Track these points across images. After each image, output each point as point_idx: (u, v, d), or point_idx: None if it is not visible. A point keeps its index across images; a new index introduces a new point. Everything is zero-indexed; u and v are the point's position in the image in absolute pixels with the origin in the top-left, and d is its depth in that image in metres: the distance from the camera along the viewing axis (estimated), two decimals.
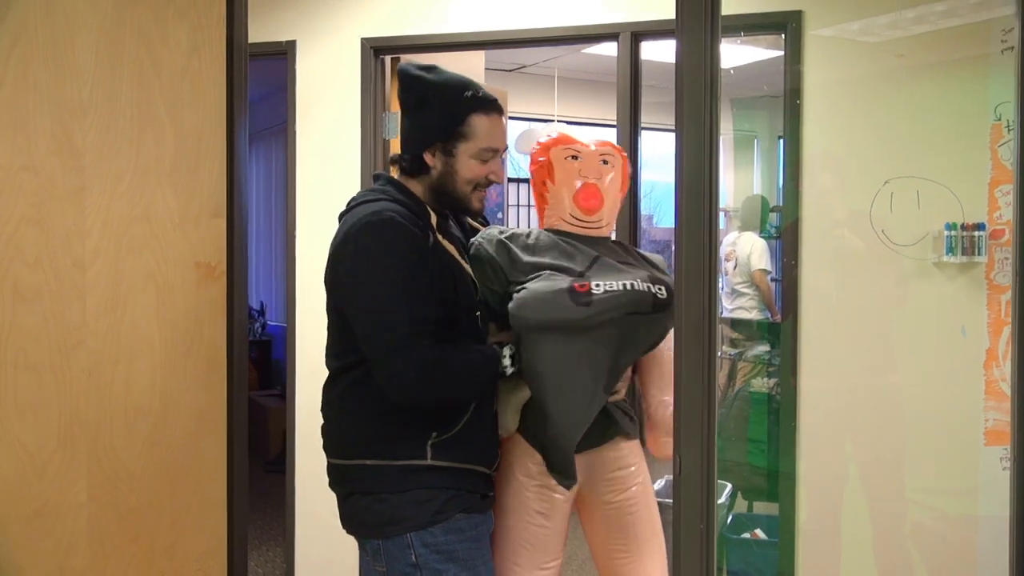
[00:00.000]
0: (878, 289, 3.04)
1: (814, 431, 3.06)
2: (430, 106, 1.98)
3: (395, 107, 3.78)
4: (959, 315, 2.88)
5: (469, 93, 1.97)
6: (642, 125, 3.44)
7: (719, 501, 3.65)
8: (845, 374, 3.06)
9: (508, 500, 2.08)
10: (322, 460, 3.72)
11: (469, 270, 2.01)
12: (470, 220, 2.19)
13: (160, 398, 1.72)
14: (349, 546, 3.69)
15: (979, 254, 2.80)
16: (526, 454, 2.09)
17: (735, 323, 6.21)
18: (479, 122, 1.96)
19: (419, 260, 1.86)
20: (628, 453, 2.14)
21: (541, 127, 6.32)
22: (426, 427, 1.91)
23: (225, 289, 1.78)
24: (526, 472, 2.08)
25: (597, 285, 1.95)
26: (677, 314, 1.65)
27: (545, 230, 2.14)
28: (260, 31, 3.81)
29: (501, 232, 2.09)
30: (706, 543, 1.62)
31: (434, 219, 1.97)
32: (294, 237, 3.79)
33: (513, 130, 6.66)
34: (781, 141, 6.27)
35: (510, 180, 5.61)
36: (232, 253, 1.80)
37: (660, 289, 2.01)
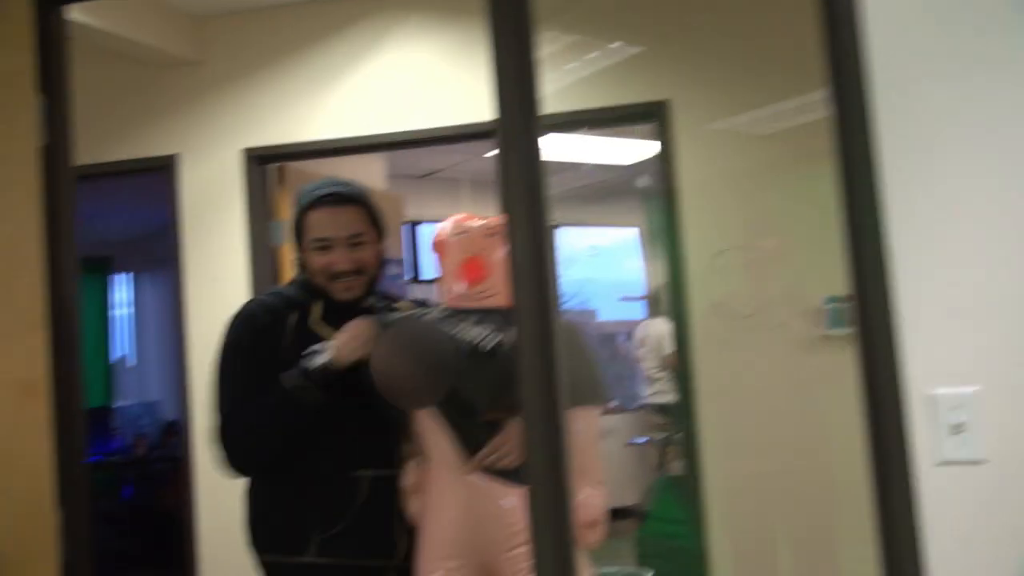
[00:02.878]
0: (769, 366, 3.03)
1: (721, 509, 3.00)
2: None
3: (283, 215, 3.74)
4: (851, 385, 2.86)
5: (306, 192, 2.12)
6: None
7: None
8: (746, 452, 3.02)
9: None
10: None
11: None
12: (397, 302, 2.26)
13: None
14: None
15: None
16: (426, 531, 2.02)
17: (658, 408, 6.22)
18: (310, 217, 2.08)
19: (252, 346, 2.01)
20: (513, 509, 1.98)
21: None
22: (311, 522, 1.97)
23: (49, 406, 1.68)
24: (426, 555, 2.01)
25: None
26: (524, 408, 1.59)
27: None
28: (141, 146, 3.78)
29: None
30: None
31: (318, 306, 2.08)
32: (187, 349, 3.69)
33: (427, 235, 6.67)
34: None
35: (421, 281, 5.56)
36: (58, 369, 1.70)
37: (484, 338, 2.00)
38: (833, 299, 2.87)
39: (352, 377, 1.94)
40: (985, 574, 1.49)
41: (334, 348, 1.95)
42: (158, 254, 8.48)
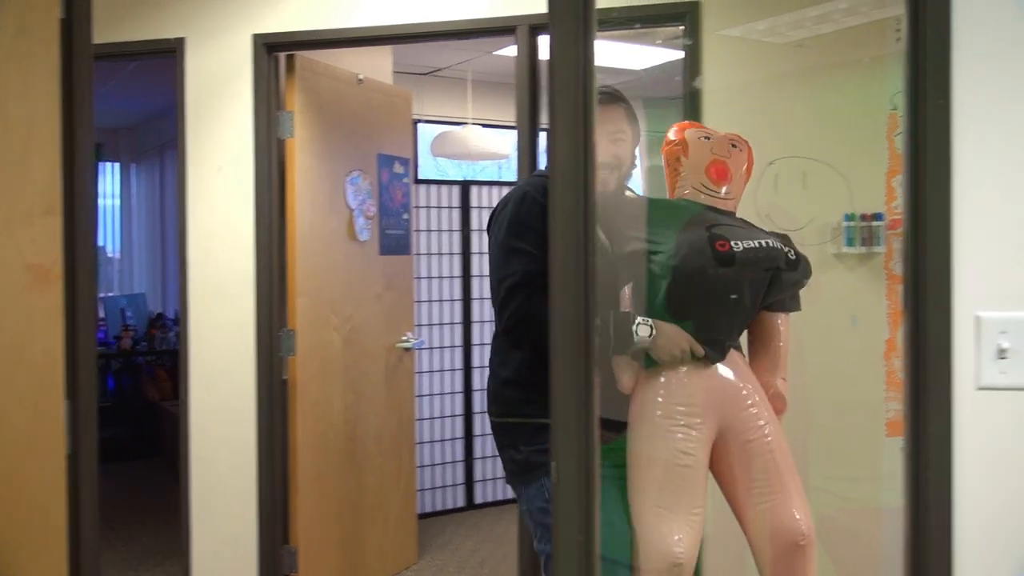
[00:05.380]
0: None
1: None
2: None
3: (290, 105, 3.63)
4: (860, 306, 2.85)
5: None
6: (542, 126, 3.34)
7: None
8: None
9: (649, 443, 2.16)
10: (219, 471, 3.57)
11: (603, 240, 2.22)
12: None
13: None
14: (248, 560, 3.55)
15: (878, 244, 2.77)
16: (666, 395, 2.17)
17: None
18: None
19: (534, 226, 2.23)
20: (754, 390, 2.25)
21: (457, 130, 6.20)
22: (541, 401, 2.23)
23: (62, 294, 1.62)
24: (668, 413, 2.16)
25: (736, 243, 2.14)
26: (552, 316, 1.56)
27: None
28: (147, 28, 3.64)
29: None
30: (586, 557, 1.52)
31: None
32: (185, 241, 3.62)
33: (426, 134, 6.53)
34: None
35: (419, 181, 5.46)
36: (72, 254, 1.64)
37: (790, 250, 2.23)
38: (851, 216, 2.82)
39: None
40: (1013, 500, 1.48)
41: (657, 344, 2.15)
42: (149, 143, 8.36)
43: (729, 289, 2.19)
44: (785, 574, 2.17)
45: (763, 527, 2.18)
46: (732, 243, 2.14)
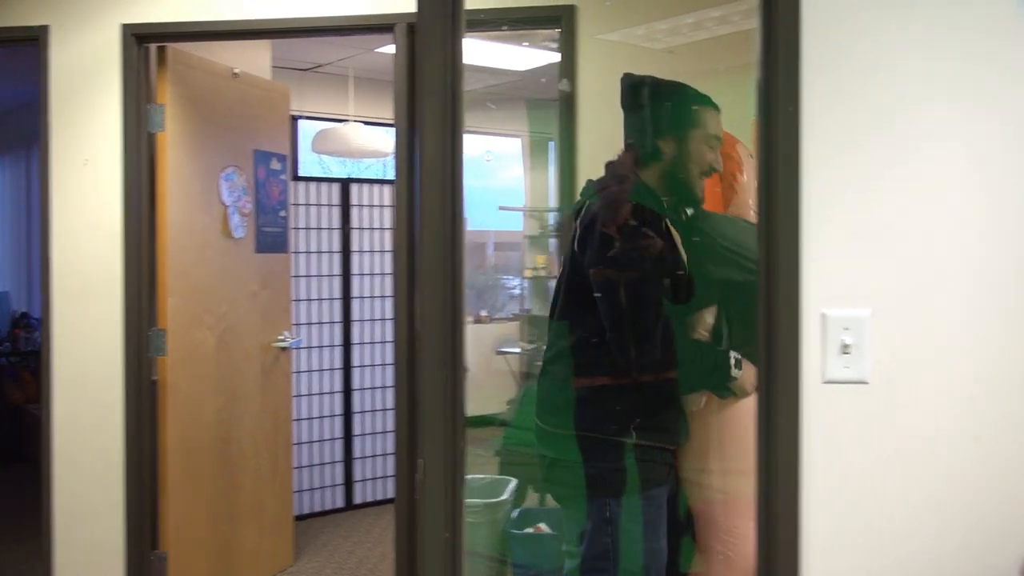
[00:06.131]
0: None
1: None
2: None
3: (161, 99, 3.54)
4: None
5: (693, 91, 2.38)
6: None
7: (502, 497, 3.60)
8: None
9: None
10: (84, 475, 3.44)
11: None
12: None
13: None
14: (114, 567, 3.43)
15: None
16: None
17: (528, 319, 6.40)
18: (711, 115, 2.35)
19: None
20: None
21: (338, 127, 6.13)
22: (632, 412, 2.29)
23: None
24: None
25: None
26: (419, 314, 1.58)
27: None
28: (8, 15, 3.48)
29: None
30: (452, 554, 1.54)
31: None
32: (48, 237, 3.47)
33: (308, 130, 6.46)
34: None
35: (298, 178, 5.38)
36: None
37: None
38: None
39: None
40: (855, 487, 1.57)
41: (742, 377, 2.23)
42: (15, 135, 7.98)
43: None
44: None
45: None
46: None
